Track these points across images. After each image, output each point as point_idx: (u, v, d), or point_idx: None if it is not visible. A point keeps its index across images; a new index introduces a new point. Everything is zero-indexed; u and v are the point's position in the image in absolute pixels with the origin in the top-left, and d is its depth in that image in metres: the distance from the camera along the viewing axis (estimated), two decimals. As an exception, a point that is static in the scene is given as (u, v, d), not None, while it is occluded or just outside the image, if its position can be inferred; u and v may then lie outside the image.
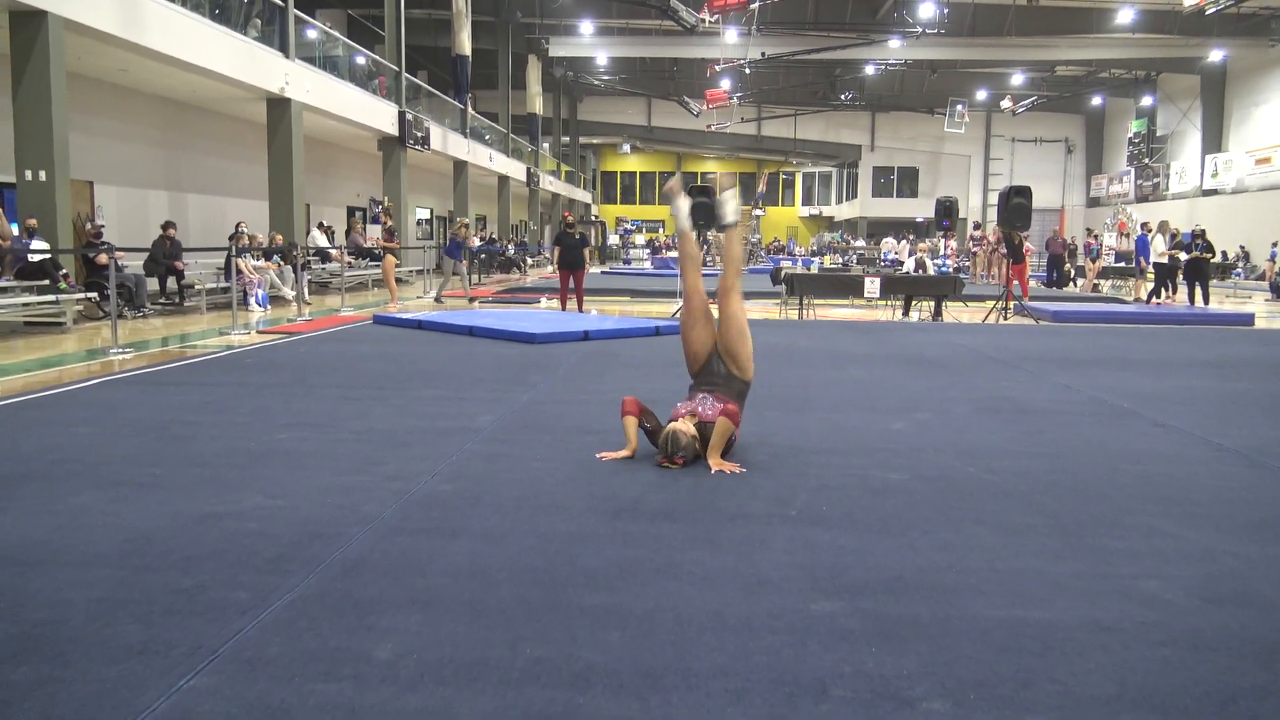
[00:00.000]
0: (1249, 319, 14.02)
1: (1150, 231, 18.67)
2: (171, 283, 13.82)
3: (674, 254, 32.36)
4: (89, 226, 13.39)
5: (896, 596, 2.84)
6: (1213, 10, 24.64)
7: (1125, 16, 28.16)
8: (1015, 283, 16.93)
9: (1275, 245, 28.52)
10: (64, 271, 10.99)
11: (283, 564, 3.03)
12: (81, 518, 3.51)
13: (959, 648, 2.48)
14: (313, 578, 2.92)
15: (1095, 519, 3.67)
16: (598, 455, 4.57)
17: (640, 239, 45.36)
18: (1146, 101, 39.76)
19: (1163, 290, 17.70)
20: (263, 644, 2.45)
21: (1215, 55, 32.23)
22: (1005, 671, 2.35)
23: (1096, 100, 44.15)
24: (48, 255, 10.63)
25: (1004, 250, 20.20)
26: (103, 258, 11.19)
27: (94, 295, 11.49)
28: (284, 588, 2.83)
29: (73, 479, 4.05)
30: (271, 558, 3.09)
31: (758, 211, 49.96)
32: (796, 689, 2.25)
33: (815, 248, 40.81)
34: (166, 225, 13.82)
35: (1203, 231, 17.02)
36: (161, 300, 13.79)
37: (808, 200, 55.75)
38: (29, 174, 10.79)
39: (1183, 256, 17.02)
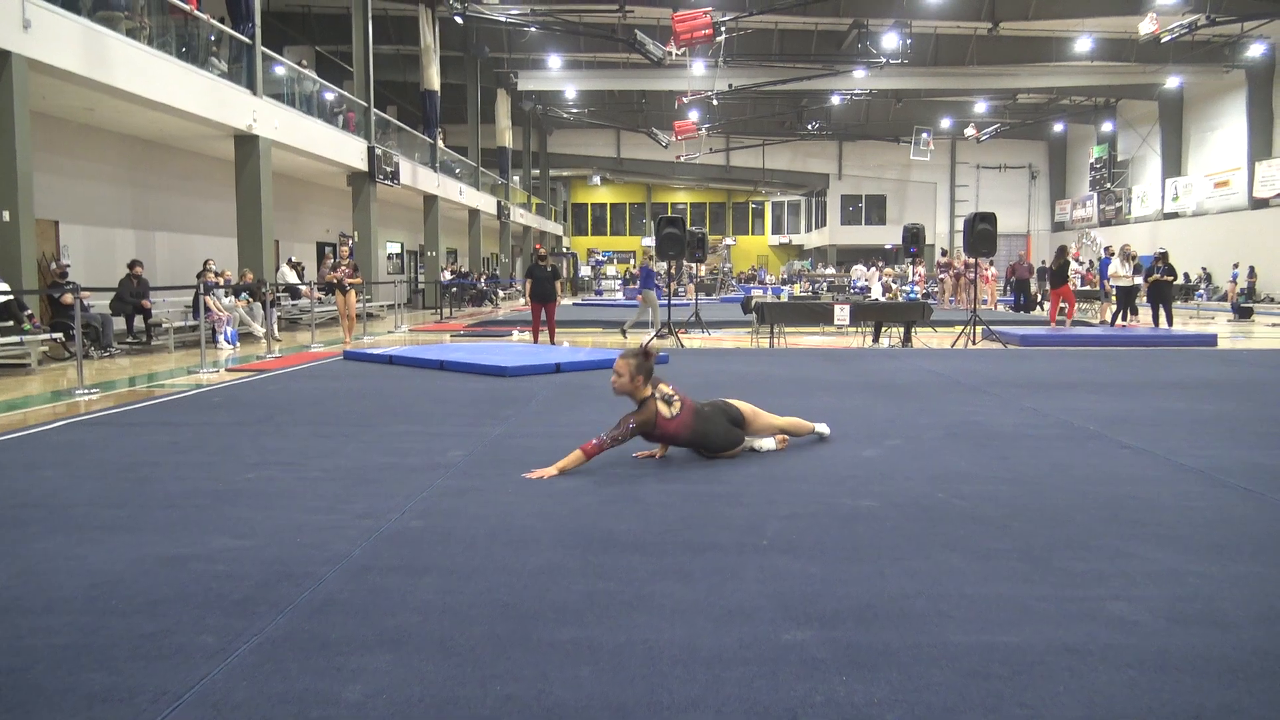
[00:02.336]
0: (1212, 340, 14.25)
1: (1112, 255, 18.99)
2: (139, 321, 13.71)
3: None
4: (54, 266, 13.28)
5: (867, 624, 2.85)
6: (1168, 39, 25.26)
7: (1084, 45, 28.80)
8: (1063, 304, 17.19)
9: (1236, 266, 29.11)
10: (29, 312, 10.87)
11: (250, 606, 3.00)
12: (46, 562, 3.45)
13: (929, 674, 2.50)
14: (281, 619, 2.89)
15: (1063, 542, 3.70)
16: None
17: (612, 270, 45.47)
18: (1107, 127, 40.61)
19: (1126, 313, 17.98)
20: (229, 688, 2.42)
21: (1172, 82, 33.03)
22: (974, 697, 2.36)
23: (1058, 127, 45.01)
24: (8, 296, 10.51)
25: (970, 276, 20.48)
26: (68, 297, 11.09)
27: (59, 335, 11.35)
28: (251, 630, 2.80)
29: (37, 523, 3.99)
30: (239, 600, 3.05)
31: (728, 241, 50.34)
32: (768, 719, 2.25)
33: (785, 276, 41.11)
34: (133, 264, 13.74)
35: (1165, 254, 17.32)
36: (129, 339, 13.66)
37: (777, 229, 56.27)
38: (-8, 214, 10.71)
39: (1137, 279, 17.34)
